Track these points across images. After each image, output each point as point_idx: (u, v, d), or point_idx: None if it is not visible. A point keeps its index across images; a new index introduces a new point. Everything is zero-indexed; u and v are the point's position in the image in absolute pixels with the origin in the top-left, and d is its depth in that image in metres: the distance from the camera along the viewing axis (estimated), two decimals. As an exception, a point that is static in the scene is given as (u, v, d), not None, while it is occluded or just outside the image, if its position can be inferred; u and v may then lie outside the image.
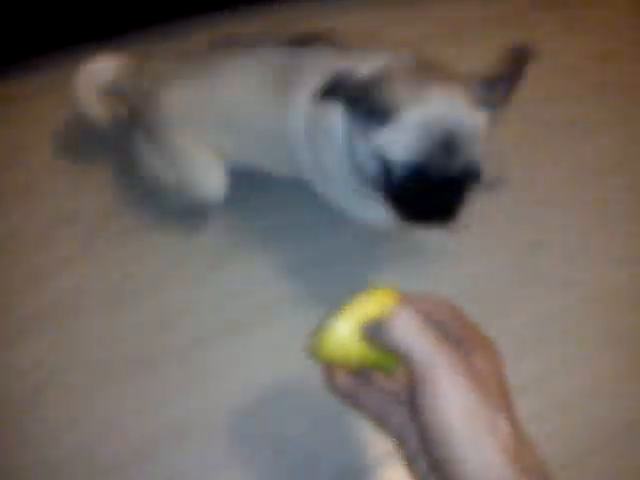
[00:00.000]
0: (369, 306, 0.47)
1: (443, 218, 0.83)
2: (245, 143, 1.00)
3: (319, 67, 0.88)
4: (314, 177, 0.97)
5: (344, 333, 0.46)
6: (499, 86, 0.79)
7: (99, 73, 1.06)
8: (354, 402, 0.50)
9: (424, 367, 0.42)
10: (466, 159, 0.78)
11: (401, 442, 0.47)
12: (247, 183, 1.11)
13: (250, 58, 0.96)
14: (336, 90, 0.77)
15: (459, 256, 1.20)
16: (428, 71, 0.83)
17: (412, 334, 0.42)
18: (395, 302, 0.47)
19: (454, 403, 0.41)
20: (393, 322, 0.43)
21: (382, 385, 0.51)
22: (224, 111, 0.97)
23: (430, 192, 0.80)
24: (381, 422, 0.49)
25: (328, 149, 0.90)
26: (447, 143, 0.76)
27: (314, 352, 0.48)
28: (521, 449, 0.42)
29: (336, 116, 0.85)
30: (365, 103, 0.77)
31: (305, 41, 0.98)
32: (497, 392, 0.44)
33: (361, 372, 0.51)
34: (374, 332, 0.45)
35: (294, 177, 1.01)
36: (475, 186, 0.82)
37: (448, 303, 0.49)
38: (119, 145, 1.15)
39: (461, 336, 0.46)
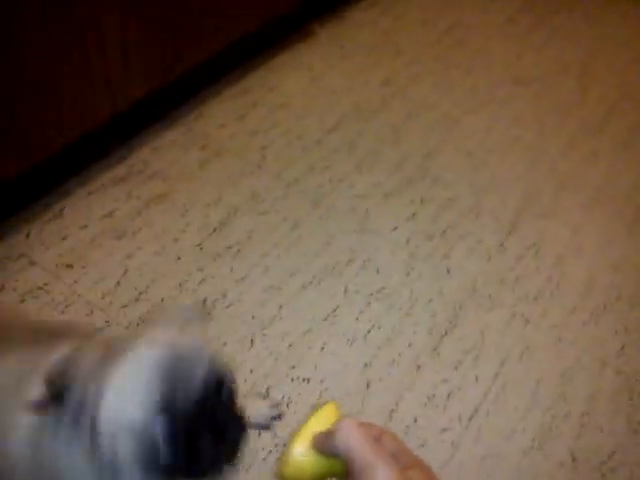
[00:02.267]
0: (318, 423, 0.55)
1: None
2: None
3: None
4: None
5: (300, 452, 0.54)
6: None
7: None
8: None
9: (363, 465, 0.46)
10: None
11: None
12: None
13: None
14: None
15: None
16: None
17: (353, 438, 0.48)
18: (328, 418, 0.56)
19: None
20: (338, 427, 0.50)
21: None
22: None
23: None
24: None
25: None
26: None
27: (280, 476, 0.56)
28: None
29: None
30: None
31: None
32: None
33: None
34: (322, 441, 0.52)
35: None
36: None
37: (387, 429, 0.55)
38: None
39: (399, 450, 0.51)
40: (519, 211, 1.87)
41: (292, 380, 1.42)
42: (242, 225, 1.73)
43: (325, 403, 0.59)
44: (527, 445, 1.38)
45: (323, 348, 1.48)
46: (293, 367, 1.44)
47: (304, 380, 1.42)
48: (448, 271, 1.68)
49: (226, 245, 1.68)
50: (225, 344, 1.46)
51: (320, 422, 0.56)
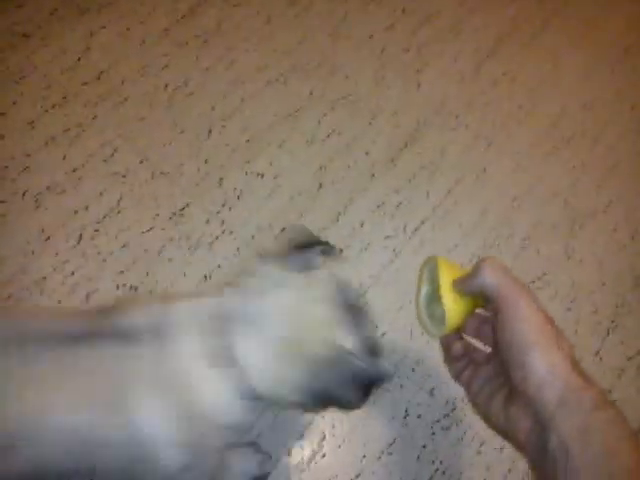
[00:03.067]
0: (446, 275, 0.64)
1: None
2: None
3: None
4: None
5: (452, 304, 0.63)
6: None
7: None
8: (460, 367, 0.67)
9: (510, 297, 0.56)
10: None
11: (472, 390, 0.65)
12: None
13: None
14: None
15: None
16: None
17: (499, 276, 0.58)
18: (453, 267, 0.65)
19: (532, 323, 0.55)
20: (484, 266, 0.59)
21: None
22: None
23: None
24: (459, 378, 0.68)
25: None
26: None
27: (441, 334, 0.66)
28: (577, 360, 0.55)
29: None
30: None
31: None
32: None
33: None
34: (466, 282, 0.61)
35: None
36: None
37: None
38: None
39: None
40: (502, 36, 1.79)
41: (246, 174, 1.43)
42: (213, 14, 1.64)
43: (433, 260, 0.67)
44: (466, 257, 1.44)
45: (281, 146, 1.48)
46: (248, 161, 1.45)
47: (258, 175, 1.44)
48: (418, 86, 1.64)
49: (194, 34, 1.60)
50: (182, 132, 1.45)
51: (449, 274, 0.64)
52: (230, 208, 1.38)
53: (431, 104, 1.62)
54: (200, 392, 0.74)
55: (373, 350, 0.76)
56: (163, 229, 1.34)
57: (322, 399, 0.73)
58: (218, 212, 1.37)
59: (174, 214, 1.36)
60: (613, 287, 1.46)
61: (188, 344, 0.74)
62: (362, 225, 1.43)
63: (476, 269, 0.60)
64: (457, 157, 1.56)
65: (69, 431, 0.75)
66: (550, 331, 0.55)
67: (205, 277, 1.30)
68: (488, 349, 0.66)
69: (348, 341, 0.72)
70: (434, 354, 0.80)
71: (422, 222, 1.47)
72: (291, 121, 1.52)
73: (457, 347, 0.67)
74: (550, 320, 0.56)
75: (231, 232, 1.35)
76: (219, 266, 1.31)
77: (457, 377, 0.67)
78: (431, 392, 1.25)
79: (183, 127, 1.46)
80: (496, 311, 0.57)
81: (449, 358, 0.69)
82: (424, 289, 0.69)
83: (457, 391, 0.70)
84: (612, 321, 1.41)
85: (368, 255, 1.39)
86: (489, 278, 0.58)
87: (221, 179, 1.41)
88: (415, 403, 1.24)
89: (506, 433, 0.58)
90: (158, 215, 1.35)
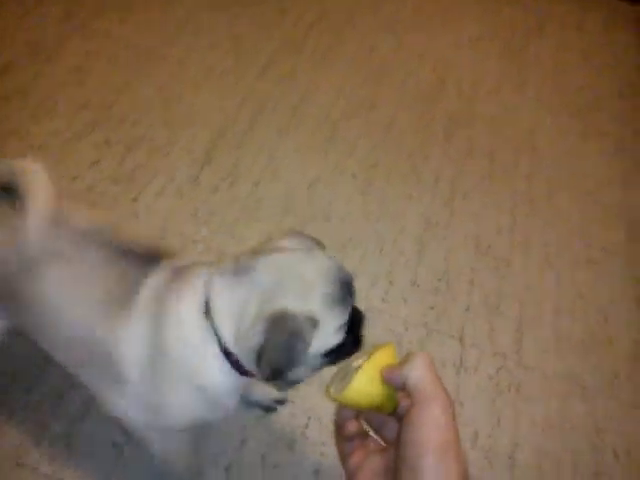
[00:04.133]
0: (379, 358, 0.63)
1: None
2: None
3: (171, 290, 0.89)
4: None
5: (366, 380, 0.61)
6: None
7: None
8: (349, 449, 0.64)
9: (427, 395, 0.56)
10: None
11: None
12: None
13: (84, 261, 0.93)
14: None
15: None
16: (256, 264, 0.86)
17: (425, 372, 0.58)
18: (392, 356, 0.64)
19: (439, 428, 0.54)
20: (414, 360, 0.58)
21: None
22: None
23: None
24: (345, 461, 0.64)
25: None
26: (348, 290, 0.86)
27: (335, 398, 0.63)
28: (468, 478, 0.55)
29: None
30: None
31: (148, 254, 0.95)
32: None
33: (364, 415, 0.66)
34: (393, 372, 0.60)
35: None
36: None
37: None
38: None
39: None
40: (214, 142, 1.84)
41: None
42: None
43: (384, 344, 0.65)
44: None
45: None
46: None
47: None
48: (137, 215, 1.61)
49: None
50: None
51: (382, 358, 0.63)
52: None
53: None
54: (182, 328, 0.86)
55: (356, 322, 0.88)
56: None
57: (260, 357, 0.80)
58: None
59: None
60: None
61: (191, 288, 0.88)
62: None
63: (409, 359, 0.59)
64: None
65: (66, 319, 0.91)
66: (453, 442, 0.53)
67: None
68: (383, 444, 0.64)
69: (325, 313, 0.82)
70: None
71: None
72: None
73: (351, 426, 0.64)
74: (456, 431, 0.55)
75: None
76: None
77: (344, 459, 0.64)
78: None
79: None
80: (410, 406, 0.56)
81: (339, 437, 0.65)
82: (359, 360, 0.66)
83: None
84: None
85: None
86: (415, 371, 0.58)
87: None
88: None
89: None
90: None
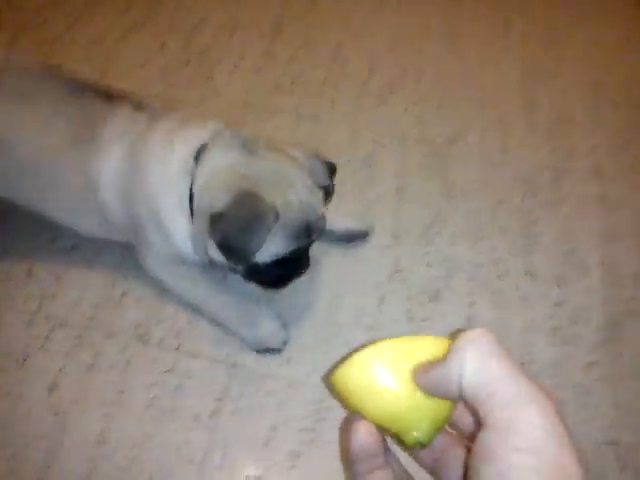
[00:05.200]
0: (420, 347, 0.37)
1: (302, 272, 0.98)
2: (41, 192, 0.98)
3: (131, 133, 0.91)
4: (135, 234, 0.98)
5: (388, 380, 0.36)
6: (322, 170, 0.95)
7: None
8: (364, 467, 0.38)
9: (505, 406, 0.30)
10: (317, 232, 0.92)
11: None
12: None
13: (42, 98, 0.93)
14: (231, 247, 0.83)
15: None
16: (263, 152, 0.89)
17: (489, 368, 0.32)
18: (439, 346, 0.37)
19: (541, 456, 0.28)
20: (465, 353, 0.33)
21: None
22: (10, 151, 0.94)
23: (291, 263, 0.93)
24: None
25: (163, 198, 0.91)
26: (307, 230, 0.89)
27: (342, 395, 0.38)
28: None
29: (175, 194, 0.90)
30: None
31: (111, 95, 0.95)
32: None
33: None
34: (431, 375, 0.35)
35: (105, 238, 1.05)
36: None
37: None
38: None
39: None
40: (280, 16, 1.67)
41: None
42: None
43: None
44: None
45: None
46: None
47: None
48: (217, 93, 1.47)
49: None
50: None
51: (422, 348, 0.37)
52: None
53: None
54: (168, 157, 0.89)
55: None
56: None
57: (213, 222, 0.82)
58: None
59: None
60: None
61: (196, 131, 0.91)
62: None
63: (452, 351, 0.34)
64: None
65: (35, 153, 0.92)
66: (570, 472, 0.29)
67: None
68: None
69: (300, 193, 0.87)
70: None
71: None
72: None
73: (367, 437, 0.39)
74: (572, 450, 0.29)
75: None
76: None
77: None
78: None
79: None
80: (478, 427, 0.32)
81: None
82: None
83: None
84: None
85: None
86: (472, 362, 0.33)
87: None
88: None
89: None
90: None
